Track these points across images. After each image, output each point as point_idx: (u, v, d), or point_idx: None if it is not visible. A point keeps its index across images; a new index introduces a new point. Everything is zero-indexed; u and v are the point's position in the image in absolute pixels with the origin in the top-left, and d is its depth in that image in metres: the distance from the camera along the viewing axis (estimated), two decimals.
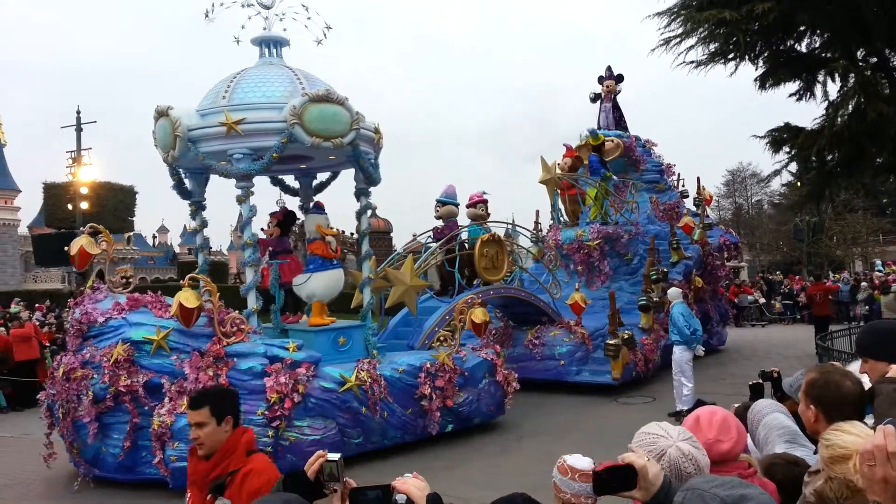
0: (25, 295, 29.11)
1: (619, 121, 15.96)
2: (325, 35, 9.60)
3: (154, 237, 63.83)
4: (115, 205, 39.82)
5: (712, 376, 12.65)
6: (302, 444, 7.40)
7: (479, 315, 9.37)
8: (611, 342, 11.46)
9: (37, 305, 22.51)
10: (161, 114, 8.35)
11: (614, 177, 14.32)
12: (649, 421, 2.21)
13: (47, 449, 7.61)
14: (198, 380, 7.02)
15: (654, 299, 12.67)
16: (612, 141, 14.33)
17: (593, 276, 13.83)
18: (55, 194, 37.71)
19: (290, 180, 10.51)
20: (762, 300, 26.41)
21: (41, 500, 7.35)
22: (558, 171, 13.92)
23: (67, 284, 38.65)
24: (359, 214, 9.34)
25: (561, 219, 14.18)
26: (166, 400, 7.03)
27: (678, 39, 12.29)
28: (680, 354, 10.03)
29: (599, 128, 15.77)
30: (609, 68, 16.27)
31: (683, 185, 16.98)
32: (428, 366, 8.50)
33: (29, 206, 53.69)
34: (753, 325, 24.76)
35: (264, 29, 9.30)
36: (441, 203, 11.81)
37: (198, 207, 9.40)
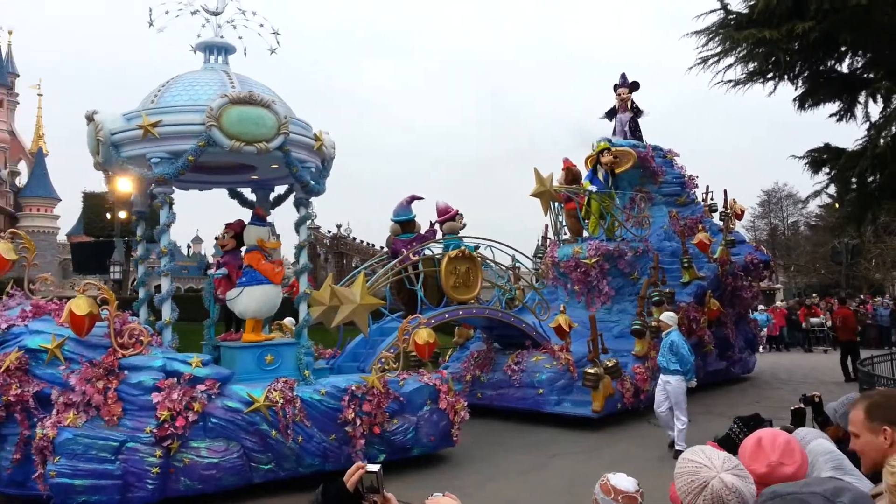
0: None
1: (633, 130, 15.27)
2: (277, 43, 9.61)
3: (188, 247, 66.44)
4: (152, 214, 41.42)
5: (747, 401, 12.48)
6: (198, 467, 7.18)
7: (422, 336, 8.98)
8: (590, 371, 10.78)
9: None
10: (88, 118, 8.46)
11: (615, 191, 13.61)
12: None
13: None
14: (85, 392, 6.96)
15: (652, 323, 11.90)
16: (613, 152, 13.64)
17: (593, 296, 13.17)
18: (94, 203, 39.39)
19: (248, 193, 10.50)
20: (829, 323, 24.87)
21: None
22: (556, 183, 13.41)
23: None
24: (297, 225, 9.15)
25: (560, 235, 13.60)
26: (54, 412, 6.99)
27: (716, 58, 12.42)
28: (678, 385, 9.31)
29: (614, 137, 15.15)
30: (623, 76, 15.64)
31: (712, 199, 16.05)
32: (353, 388, 8.14)
33: (68, 214, 56.85)
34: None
35: (218, 36, 9.33)
36: (393, 222, 11.56)
37: (140, 217, 9.49)
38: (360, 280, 9.80)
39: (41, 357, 7.27)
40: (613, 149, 13.96)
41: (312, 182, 8.95)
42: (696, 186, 16.00)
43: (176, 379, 7.28)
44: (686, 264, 13.60)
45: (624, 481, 2.58)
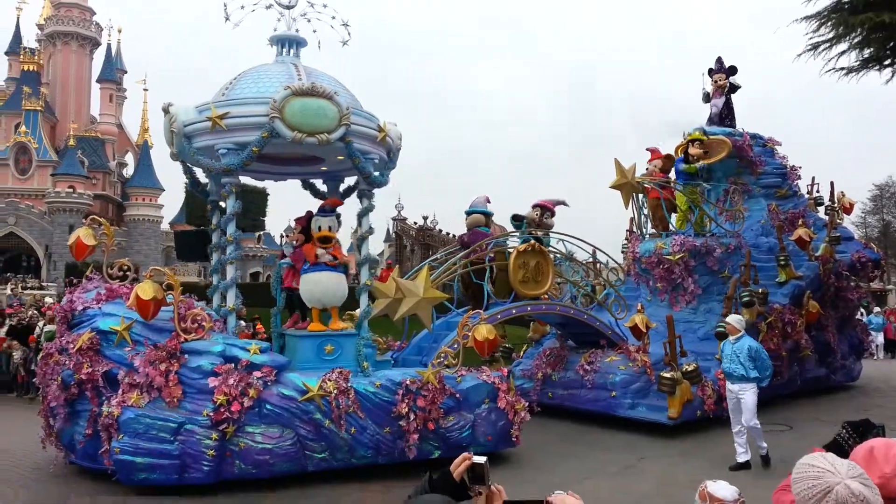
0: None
1: (727, 117, 14.36)
2: (348, 34, 9.70)
3: (281, 237, 69.02)
4: (248, 205, 43.02)
5: (855, 408, 11.86)
6: (252, 452, 7.40)
7: (481, 332, 8.81)
8: (666, 375, 10.25)
9: None
10: (164, 110, 8.86)
11: (703, 183, 12.84)
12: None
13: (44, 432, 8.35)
14: (147, 374, 7.31)
15: (718, 327, 11.21)
16: (705, 141, 12.84)
17: (677, 294, 12.53)
18: (196, 193, 41.51)
19: (320, 184, 10.70)
20: None
21: (21, 479, 8.06)
22: (643, 173, 12.83)
23: (203, 278, 42.54)
24: (359, 216, 9.23)
25: (643, 229, 13.01)
26: (119, 392, 7.39)
27: (828, 44, 11.54)
28: (754, 394, 8.71)
29: (709, 125, 14.32)
30: (719, 60, 14.70)
31: (817, 192, 14.87)
32: (408, 382, 8.11)
33: (171, 203, 60.56)
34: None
35: (290, 29, 9.54)
36: (467, 214, 11.39)
37: (213, 207, 9.85)
38: (424, 273, 9.73)
39: (111, 338, 7.71)
40: (707, 138, 13.19)
41: (375, 173, 8.98)
42: (799, 178, 14.85)
43: (233, 365, 7.51)
44: (782, 262, 12.70)
45: (723, 489, 2.54)
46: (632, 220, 13.57)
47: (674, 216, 12.96)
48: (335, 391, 7.75)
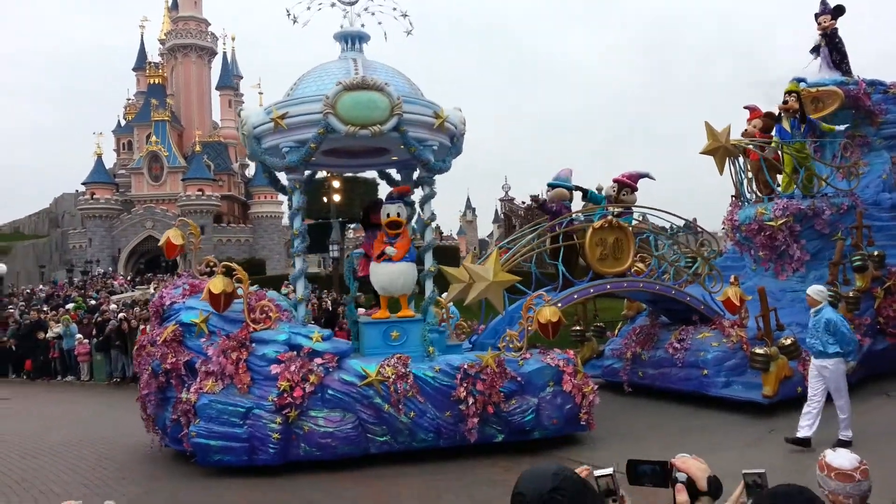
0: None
1: (839, 64, 12.85)
2: (410, 24, 9.77)
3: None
4: (362, 197, 44.49)
5: None
6: (316, 435, 7.79)
7: (545, 314, 8.65)
8: (758, 350, 9.54)
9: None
10: (238, 114, 9.42)
11: (813, 138, 11.60)
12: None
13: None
14: (221, 363, 7.90)
15: (849, 293, 10.20)
16: (805, 93, 11.58)
17: (784, 262, 11.54)
18: (312, 188, 43.21)
19: (395, 174, 10.92)
20: None
21: (123, 460, 9.03)
22: (749, 134, 11.86)
23: (324, 269, 44.49)
24: (421, 203, 9.33)
25: (745, 195, 12.05)
26: (198, 379, 8.05)
27: None
28: (837, 369, 7.98)
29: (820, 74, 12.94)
30: (823, 1, 13.15)
31: None
32: (467, 366, 8.16)
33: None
34: None
35: (354, 25, 9.74)
36: (550, 187, 11.04)
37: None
38: (494, 256, 9.69)
39: (193, 330, 8.38)
40: (815, 90, 11.96)
41: (433, 160, 9.01)
42: None
43: (296, 352, 7.93)
44: None
45: (839, 458, 2.64)
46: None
47: (781, 178, 11.90)
48: (393, 376, 7.96)
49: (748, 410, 9.79)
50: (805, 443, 7.81)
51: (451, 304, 10.66)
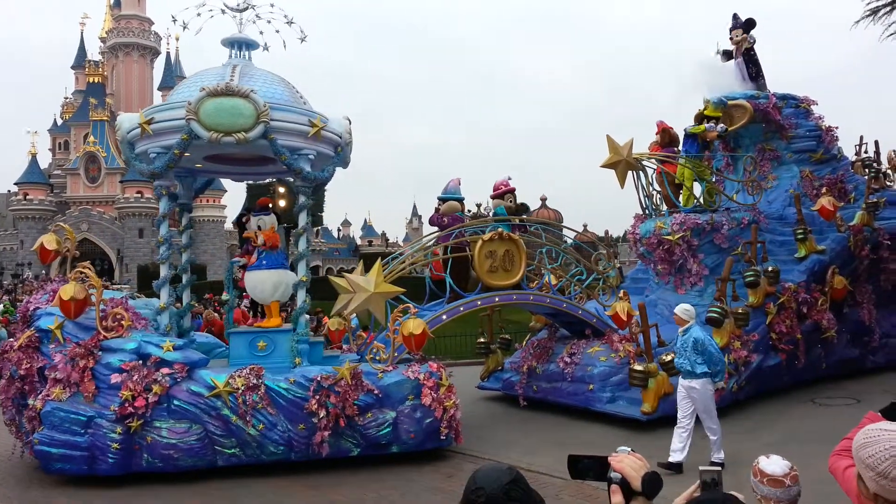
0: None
1: (755, 77, 12.71)
2: (302, 32, 9.69)
3: (338, 230, 71.62)
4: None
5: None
6: (158, 446, 7.66)
7: (408, 327, 8.49)
8: (637, 367, 9.40)
9: (244, 294, 26.44)
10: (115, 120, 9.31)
11: (712, 153, 11.46)
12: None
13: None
14: (66, 370, 7.74)
15: (738, 309, 10.05)
16: (731, 104, 11.46)
17: (682, 277, 11.39)
18: (257, 193, 43.24)
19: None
20: None
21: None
22: (649, 149, 11.75)
23: None
24: (296, 213, 9.21)
25: (647, 209, 11.91)
26: (47, 387, 7.90)
27: (888, 8, 11.22)
28: (705, 389, 7.80)
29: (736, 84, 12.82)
30: (735, 16, 13.03)
31: (866, 153, 12.88)
32: (320, 378, 8.02)
33: (233, 203, 63.18)
34: None
35: (240, 32, 9.66)
36: (441, 200, 10.86)
37: (183, 209, 10.18)
38: (376, 268, 9.53)
39: (49, 336, 8.23)
40: (728, 103, 11.84)
41: (307, 169, 8.87)
42: (836, 140, 12.93)
43: (142, 361, 7.78)
44: (801, 236, 11.22)
45: (771, 465, 2.82)
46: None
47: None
48: (243, 387, 7.82)
49: (633, 426, 9.63)
50: (677, 468, 7.62)
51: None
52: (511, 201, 11.15)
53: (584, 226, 35.44)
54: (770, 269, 10.60)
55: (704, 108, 11.90)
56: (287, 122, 8.63)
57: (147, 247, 53.38)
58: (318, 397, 7.95)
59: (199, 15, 9.44)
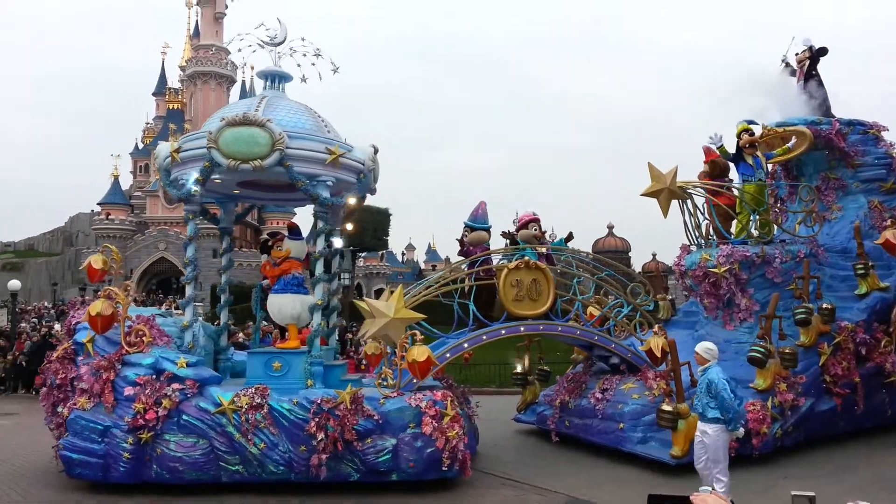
0: None
1: (821, 104, 11.72)
2: (333, 64, 10.06)
3: (403, 254, 70.79)
4: (374, 226, 43.78)
5: None
6: (166, 458, 7.95)
7: (412, 354, 8.37)
8: (665, 408, 8.77)
9: None
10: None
11: (767, 181, 10.60)
12: None
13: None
14: (89, 381, 8.23)
15: (785, 349, 9.20)
16: (770, 132, 10.62)
17: (731, 312, 10.56)
18: None
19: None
20: None
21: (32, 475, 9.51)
22: (698, 177, 11.11)
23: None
24: (315, 236, 9.40)
25: (696, 239, 11.18)
26: (75, 396, 8.41)
27: None
28: (717, 436, 7.17)
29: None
30: (807, 41, 12.08)
31: None
32: (321, 401, 8.05)
33: (306, 226, 63.73)
34: None
35: (274, 65, 10.12)
36: (469, 228, 10.62)
37: (223, 233, 10.66)
38: (397, 294, 9.51)
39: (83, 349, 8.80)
40: (781, 129, 11.02)
41: (325, 195, 9.05)
42: None
43: (156, 376, 8.14)
44: (861, 271, 10.15)
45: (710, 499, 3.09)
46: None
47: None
48: (246, 406, 7.99)
49: (664, 470, 8.95)
50: None
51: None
52: (535, 230, 10.83)
53: (654, 255, 33.66)
54: (824, 306, 9.65)
55: (739, 130, 10.99)
56: (304, 150, 8.87)
57: (216, 267, 55.92)
58: (317, 419, 7.98)
59: (239, 51, 10.02)
